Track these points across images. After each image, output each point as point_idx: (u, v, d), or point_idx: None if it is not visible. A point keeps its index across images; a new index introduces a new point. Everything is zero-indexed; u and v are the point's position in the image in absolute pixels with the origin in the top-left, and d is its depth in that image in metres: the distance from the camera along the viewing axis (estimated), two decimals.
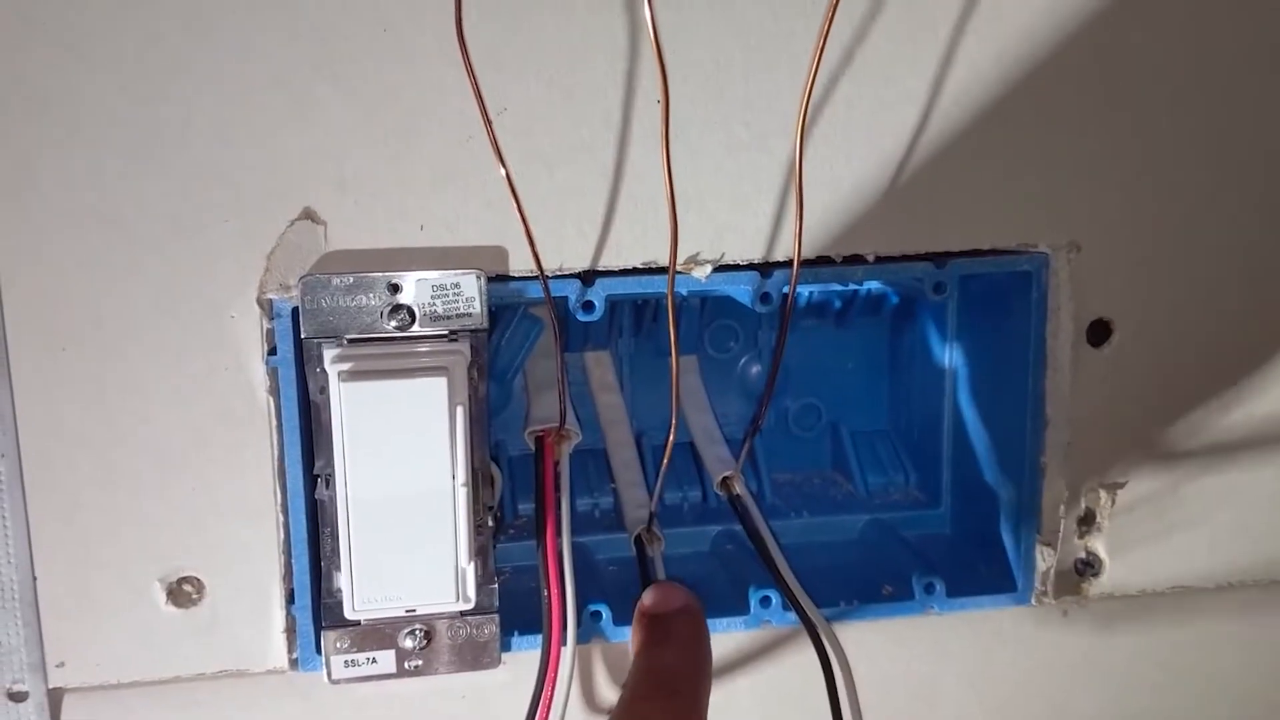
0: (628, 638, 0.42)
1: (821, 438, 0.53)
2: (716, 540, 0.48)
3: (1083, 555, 0.45)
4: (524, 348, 0.47)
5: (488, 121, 0.35)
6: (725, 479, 0.46)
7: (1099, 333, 0.43)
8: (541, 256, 0.38)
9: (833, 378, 0.52)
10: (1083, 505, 0.44)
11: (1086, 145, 0.41)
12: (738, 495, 0.45)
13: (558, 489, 0.41)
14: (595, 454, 0.50)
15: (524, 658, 0.41)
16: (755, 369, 0.52)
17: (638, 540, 0.44)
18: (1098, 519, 0.44)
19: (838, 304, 0.49)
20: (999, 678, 0.46)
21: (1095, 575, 0.45)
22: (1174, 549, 0.45)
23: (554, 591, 0.39)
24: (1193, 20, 0.41)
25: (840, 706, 0.40)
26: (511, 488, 0.49)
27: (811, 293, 0.48)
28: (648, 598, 0.41)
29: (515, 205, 0.36)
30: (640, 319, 0.49)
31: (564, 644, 0.39)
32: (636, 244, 0.39)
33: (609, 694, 0.43)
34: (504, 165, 0.35)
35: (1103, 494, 0.44)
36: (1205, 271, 0.43)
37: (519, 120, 0.38)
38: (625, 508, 0.47)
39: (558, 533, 0.40)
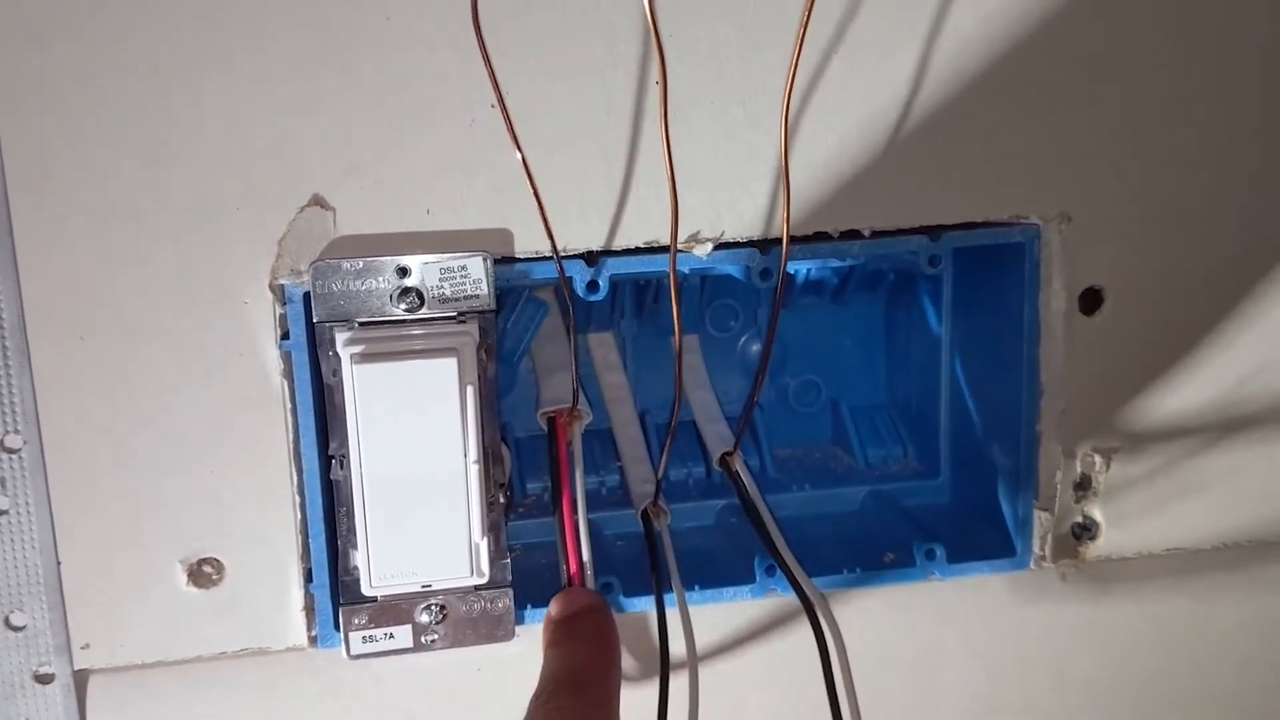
0: (639, 608, 0.43)
1: (821, 413, 0.54)
2: (721, 514, 0.50)
3: (1080, 520, 0.46)
4: (529, 331, 0.48)
5: (503, 106, 0.36)
6: (724, 456, 0.47)
7: (1091, 301, 0.44)
8: (548, 238, 0.39)
9: (831, 354, 0.53)
10: (1079, 471, 0.45)
11: (1075, 116, 0.42)
12: (736, 472, 0.46)
13: (571, 467, 0.42)
14: (600, 433, 0.51)
15: (538, 630, 0.42)
16: (755, 347, 0.53)
17: (644, 515, 0.45)
18: (1093, 484, 0.45)
19: (835, 280, 0.50)
20: (1000, 641, 0.47)
21: (1092, 539, 0.46)
22: (1169, 512, 0.46)
23: (572, 564, 0.40)
24: None
25: (834, 676, 0.40)
26: (519, 467, 0.50)
27: (809, 270, 0.49)
28: (553, 605, 0.41)
29: (530, 187, 0.37)
30: (642, 300, 0.50)
31: None
32: (638, 224, 0.40)
33: (626, 662, 0.44)
34: (519, 148, 0.36)
35: (1098, 459, 0.45)
36: (1194, 238, 0.44)
37: (520, 104, 0.39)
38: (631, 484, 0.48)
39: (573, 509, 0.41)
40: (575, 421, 0.44)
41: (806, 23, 0.34)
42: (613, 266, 0.41)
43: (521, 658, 0.43)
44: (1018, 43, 0.41)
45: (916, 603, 0.46)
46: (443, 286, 0.39)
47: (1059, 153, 0.42)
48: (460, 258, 0.39)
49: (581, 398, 0.44)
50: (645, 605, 0.43)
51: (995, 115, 0.41)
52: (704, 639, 0.45)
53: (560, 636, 0.39)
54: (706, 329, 0.52)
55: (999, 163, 0.42)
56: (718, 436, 0.48)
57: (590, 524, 0.47)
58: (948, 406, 0.49)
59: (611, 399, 0.50)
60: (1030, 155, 0.42)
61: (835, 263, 0.43)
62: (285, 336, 0.39)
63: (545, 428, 0.44)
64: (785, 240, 0.38)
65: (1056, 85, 0.42)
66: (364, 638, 0.41)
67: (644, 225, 0.40)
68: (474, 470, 0.39)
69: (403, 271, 0.39)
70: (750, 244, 0.41)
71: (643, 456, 0.49)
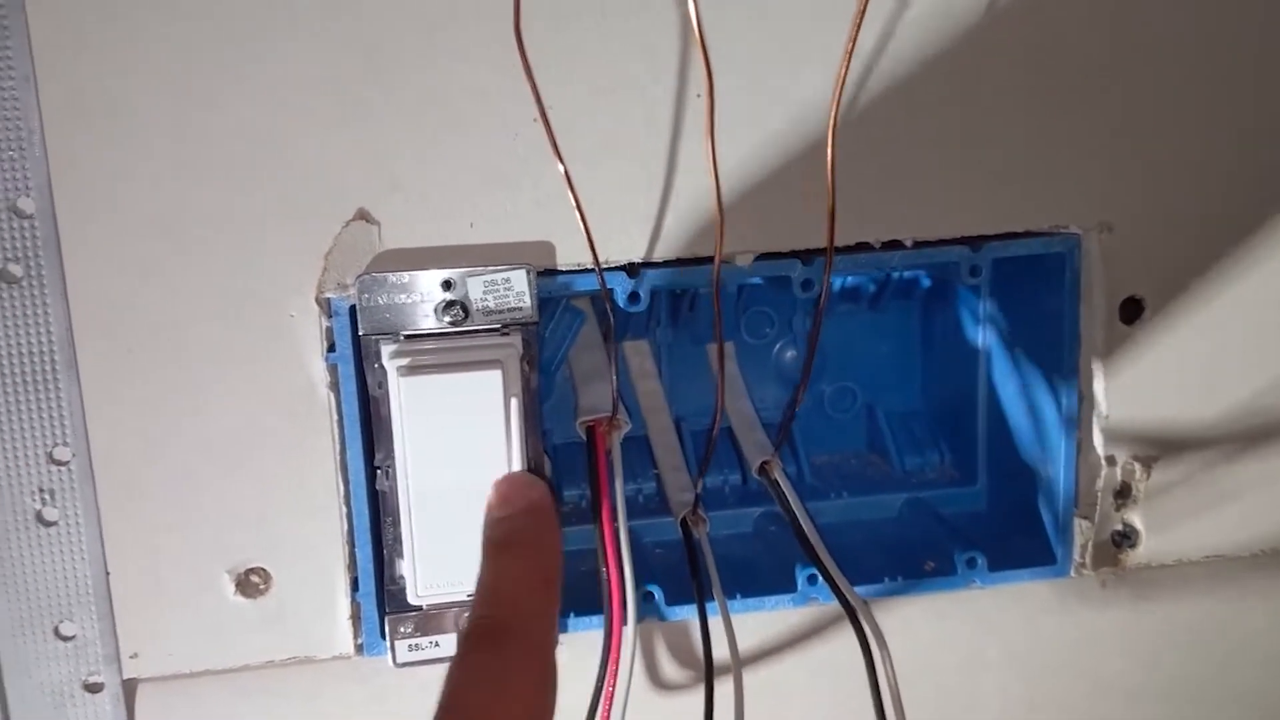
0: (681, 616, 0.43)
1: (857, 420, 0.54)
2: (759, 522, 0.50)
3: (1119, 527, 0.46)
4: (566, 340, 0.48)
5: (546, 120, 0.36)
6: (764, 464, 0.47)
7: (1131, 310, 0.44)
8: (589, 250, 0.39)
9: (867, 361, 0.53)
10: (1119, 479, 0.45)
11: (1114, 125, 0.42)
12: (776, 480, 0.46)
13: (611, 476, 0.42)
14: (636, 441, 0.51)
15: (580, 638, 0.42)
16: (790, 354, 0.53)
17: (684, 523, 0.45)
18: (1133, 492, 0.45)
19: (872, 288, 0.50)
20: (1040, 649, 0.47)
21: (1132, 546, 0.46)
22: (1208, 518, 0.46)
23: (613, 573, 0.41)
24: None
25: (879, 684, 0.41)
26: (556, 476, 0.50)
27: (846, 277, 0.49)
28: (490, 494, 0.38)
29: (573, 200, 0.37)
30: (677, 308, 0.51)
31: (625, 623, 0.40)
32: (680, 236, 0.41)
33: (670, 670, 0.44)
34: (562, 161, 0.36)
35: (1138, 467, 0.45)
36: (1234, 247, 0.44)
37: (561, 118, 0.39)
38: (669, 492, 0.48)
39: (614, 518, 0.41)
40: (615, 430, 0.44)
41: (855, 36, 0.34)
42: (654, 278, 0.41)
43: (565, 666, 0.43)
44: (1058, 53, 0.41)
45: (956, 611, 0.46)
46: (486, 299, 0.39)
47: (1099, 162, 0.42)
48: (503, 270, 0.39)
49: (620, 406, 0.44)
50: (687, 614, 0.43)
51: (1035, 125, 0.42)
52: (743, 646, 0.45)
53: (493, 545, 0.36)
54: (742, 336, 0.52)
55: (1040, 172, 0.42)
56: (756, 444, 0.48)
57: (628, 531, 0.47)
58: (985, 414, 0.49)
59: (647, 407, 0.51)
60: (1070, 165, 0.42)
61: (873, 270, 0.43)
62: (331, 349, 0.40)
63: (584, 436, 0.45)
64: (829, 252, 0.38)
65: (1096, 94, 0.42)
66: (410, 646, 0.41)
67: (686, 237, 0.40)
68: None
69: (447, 284, 0.39)
70: (792, 255, 0.41)
71: (680, 464, 0.49)
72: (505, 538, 0.36)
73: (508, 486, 0.38)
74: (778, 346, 0.53)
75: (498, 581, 0.35)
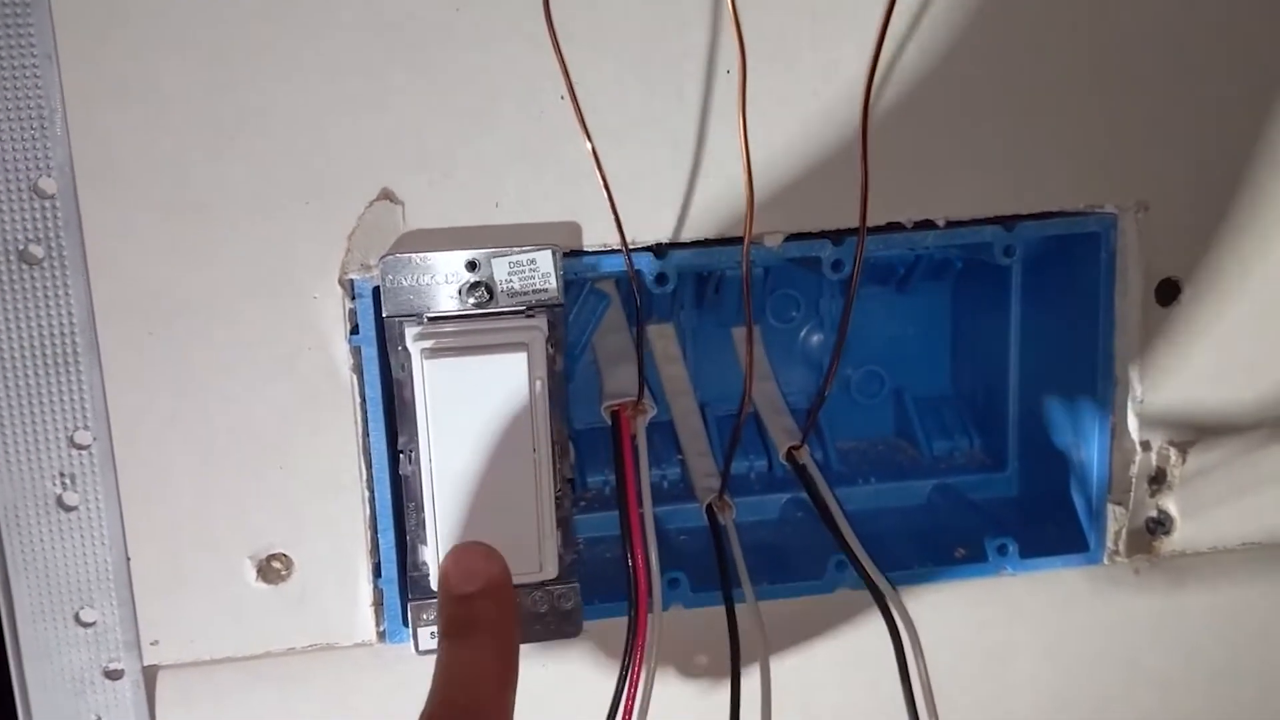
0: (706, 604, 0.42)
1: (884, 405, 0.53)
2: (785, 508, 0.49)
3: (1154, 514, 0.45)
4: (591, 323, 0.48)
5: (574, 96, 0.35)
6: (791, 449, 0.46)
7: (1167, 292, 0.43)
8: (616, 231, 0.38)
9: (895, 344, 0.52)
10: (1153, 464, 0.45)
11: (1152, 104, 0.41)
12: (804, 466, 0.45)
13: (636, 461, 0.42)
14: (660, 425, 0.50)
15: (603, 625, 0.42)
16: (816, 338, 0.52)
17: (709, 509, 0.45)
18: (1168, 477, 0.45)
19: (901, 269, 0.49)
20: (1072, 637, 0.46)
21: (1167, 533, 0.45)
22: (1244, 506, 0.46)
23: (639, 559, 0.40)
24: None
25: (909, 671, 0.40)
26: (579, 460, 0.49)
27: (874, 259, 0.48)
28: (447, 564, 0.37)
29: (600, 178, 0.36)
30: (702, 291, 0.50)
31: (650, 610, 0.40)
32: (708, 216, 0.40)
33: (696, 658, 0.44)
34: (589, 138, 0.36)
35: (1173, 453, 0.45)
36: (1273, 228, 0.43)
37: (589, 95, 0.38)
38: (694, 477, 0.47)
39: (639, 503, 0.41)
40: (640, 415, 0.44)
41: (890, 13, 0.33)
42: (681, 259, 0.40)
43: (588, 653, 0.43)
44: (1094, 30, 0.40)
45: (988, 598, 0.45)
46: (511, 280, 0.39)
47: (1136, 141, 0.42)
48: (529, 251, 0.39)
49: (646, 391, 0.43)
50: (713, 601, 0.42)
51: (1072, 103, 0.41)
52: (769, 633, 0.44)
53: (454, 628, 0.36)
54: (767, 319, 0.51)
55: (1075, 151, 0.41)
56: (783, 430, 0.47)
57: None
58: (1016, 398, 0.49)
59: (672, 391, 0.50)
60: (1107, 144, 0.41)
61: (901, 251, 0.42)
62: (354, 331, 0.39)
63: (609, 421, 0.44)
64: (862, 231, 0.37)
65: (1134, 73, 0.41)
66: (432, 633, 0.41)
67: (714, 217, 0.40)
68: (544, 465, 0.38)
69: (472, 265, 0.39)
70: (822, 235, 0.41)
71: (705, 450, 0.48)
72: (466, 622, 0.36)
73: (466, 558, 0.37)
74: (804, 330, 0.52)
75: (457, 670, 0.35)
